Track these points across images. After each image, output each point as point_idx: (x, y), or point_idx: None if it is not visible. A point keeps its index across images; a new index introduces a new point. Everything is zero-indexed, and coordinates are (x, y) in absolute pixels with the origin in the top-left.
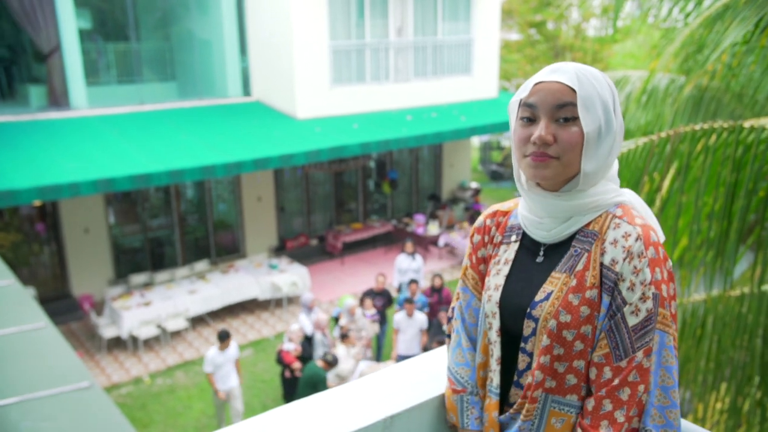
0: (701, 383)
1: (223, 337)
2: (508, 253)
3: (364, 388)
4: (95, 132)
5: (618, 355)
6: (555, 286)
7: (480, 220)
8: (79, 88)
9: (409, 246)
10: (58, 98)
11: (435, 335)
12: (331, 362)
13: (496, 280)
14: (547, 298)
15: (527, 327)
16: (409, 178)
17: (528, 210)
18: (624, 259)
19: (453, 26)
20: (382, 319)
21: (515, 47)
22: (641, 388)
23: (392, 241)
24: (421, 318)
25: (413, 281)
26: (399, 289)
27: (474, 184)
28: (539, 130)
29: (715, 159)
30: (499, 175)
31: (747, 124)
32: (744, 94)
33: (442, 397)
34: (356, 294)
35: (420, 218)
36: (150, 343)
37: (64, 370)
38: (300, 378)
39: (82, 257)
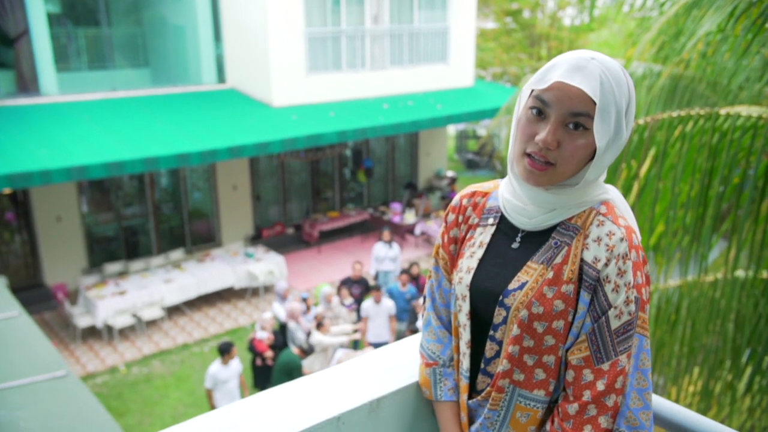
0: (675, 367)
1: (226, 350)
2: (483, 235)
3: (349, 372)
4: (66, 119)
5: (599, 357)
6: (530, 276)
7: (456, 199)
8: (49, 73)
9: (386, 234)
10: (27, 84)
11: (411, 323)
12: (307, 350)
13: (469, 262)
14: (521, 287)
15: (498, 315)
16: (385, 166)
17: (512, 194)
18: (609, 260)
19: (429, 14)
20: (359, 310)
21: (491, 36)
22: (620, 392)
23: (369, 229)
24: (389, 304)
25: (404, 272)
26: (375, 277)
27: (450, 173)
28: (545, 133)
29: (692, 146)
30: (475, 163)
31: (723, 111)
32: (717, 83)
33: None
34: (333, 282)
35: (396, 207)
36: (125, 333)
37: (39, 358)
38: (274, 365)
39: (54, 246)
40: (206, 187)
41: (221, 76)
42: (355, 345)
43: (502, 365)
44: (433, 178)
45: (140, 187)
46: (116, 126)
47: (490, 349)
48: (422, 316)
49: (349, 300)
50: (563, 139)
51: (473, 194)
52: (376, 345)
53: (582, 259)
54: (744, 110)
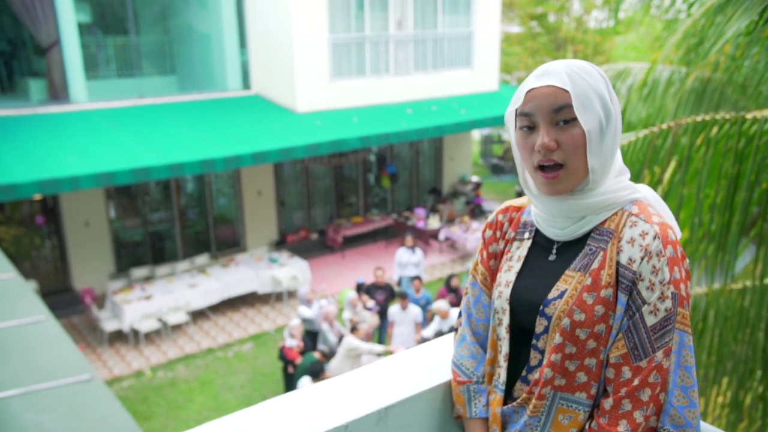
0: (702, 377)
1: (320, 370)
2: (520, 249)
3: (358, 379)
4: (95, 126)
5: (637, 355)
6: (569, 284)
7: (492, 216)
8: (78, 81)
9: (409, 240)
10: (57, 92)
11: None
12: (328, 355)
13: (508, 276)
14: (560, 296)
15: (539, 324)
16: (409, 171)
17: (540, 209)
18: (642, 258)
19: (453, 19)
20: (384, 313)
21: (516, 40)
22: (659, 388)
23: (393, 235)
24: (415, 311)
25: (416, 278)
26: (399, 283)
27: (475, 178)
28: (541, 137)
29: (717, 151)
30: (499, 168)
31: (750, 115)
32: (747, 86)
33: (437, 388)
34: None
35: (420, 212)
36: (151, 337)
37: (65, 362)
38: (296, 370)
39: (83, 251)
40: (231, 193)
41: (246, 83)
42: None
43: (544, 374)
44: (457, 183)
45: (166, 192)
46: (143, 132)
47: (533, 358)
48: (456, 332)
49: (370, 303)
50: (559, 136)
51: (507, 209)
52: None
53: (618, 262)
54: None
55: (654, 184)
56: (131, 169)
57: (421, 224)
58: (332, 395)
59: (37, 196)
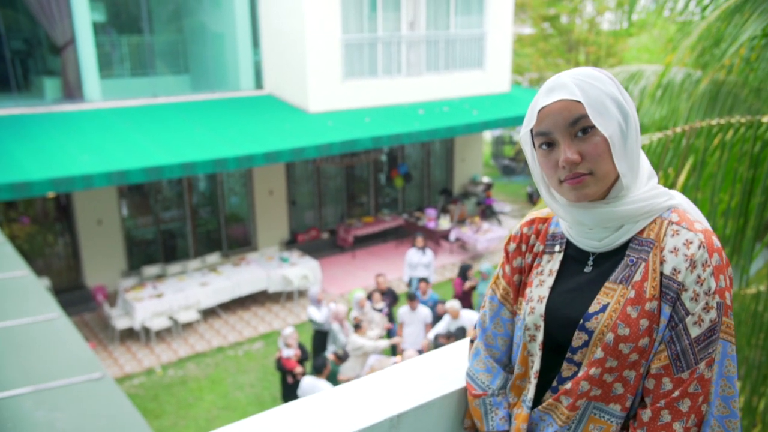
0: None
1: (323, 365)
2: (551, 263)
3: (370, 386)
4: (109, 124)
5: (679, 366)
6: (611, 297)
7: (516, 228)
8: (93, 80)
9: (419, 240)
10: (72, 90)
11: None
12: (342, 357)
13: (540, 291)
14: (603, 310)
15: (578, 338)
16: (420, 172)
17: (573, 222)
18: (687, 268)
19: (466, 20)
20: (390, 318)
21: (528, 41)
22: (701, 398)
23: (403, 235)
24: (424, 312)
25: (423, 279)
26: (409, 284)
27: (486, 179)
28: (563, 152)
29: (732, 155)
30: (510, 169)
31: (765, 119)
32: (762, 89)
33: (451, 395)
34: (367, 288)
35: (431, 212)
36: (162, 335)
37: (76, 360)
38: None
39: (95, 249)
40: (243, 192)
41: (259, 82)
42: (393, 351)
43: (580, 386)
44: (468, 184)
45: (178, 191)
46: (156, 131)
47: (567, 369)
48: (471, 345)
49: (380, 304)
50: (581, 148)
51: (532, 221)
52: None
53: (662, 273)
54: None
55: (668, 188)
56: (144, 167)
57: (431, 225)
58: (344, 402)
59: (51, 194)
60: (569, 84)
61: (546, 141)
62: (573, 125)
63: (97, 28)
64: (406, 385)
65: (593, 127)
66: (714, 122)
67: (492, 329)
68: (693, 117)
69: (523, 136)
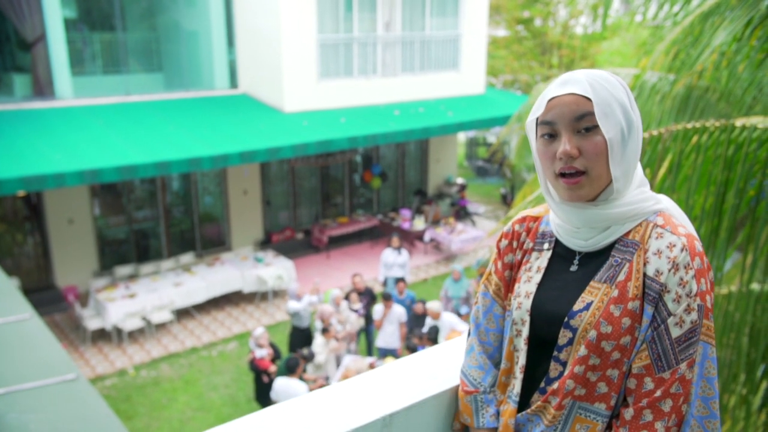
0: None
1: (296, 365)
2: (540, 260)
3: (362, 385)
4: (80, 122)
5: (660, 366)
6: (595, 296)
7: (508, 226)
8: (64, 77)
9: (395, 241)
10: (42, 87)
11: (411, 330)
12: (308, 357)
13: (527, 287)
14: (587, 308)
15: (563, 336)
16: (395, 173)
17: (563, 220)
18: (669, 270)
19: (441, 22)
20: (368, 318)
21: (503, 43)
22: (682, 399)
23: (378, 235)
24: (399, 311)
25: (400, 279)
26: (384, 284)
27: (460, 180)
28: (563, 145)
29: (707, 158)
30: (485, 171)
31: (739, 123)
32: (732, 94)
33: (443, 395)
34: (342, 288)
35: (406, 213)
36: (135, 336)
37: (50, 361)
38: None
39: (66, 248)
40: (217, 192)
41: (234, 82)
42: (369, 351)
43: (566, 385)
44: (442, 185)
45: (152, 190)
46: (129, 130)
47: (554, 369)
48: (466, 342)
49: (357, 305)
50: (581, 144)
51: (524, 219)
52: (385, 351)
53: (645, 274)
54: (760, 122)
55: None
56: (117, 166)
57: (406, 225)
58: (336, 402)
59: (21, 193)
60: (583, 81)
61: (549, 132)
62: (578, 120)
63: (69, 25)
64: (398, 385)
65: (596, 126)
66: (689, 125)
67: (485, 325)
68: (666, 120)
69: (529, 123)
